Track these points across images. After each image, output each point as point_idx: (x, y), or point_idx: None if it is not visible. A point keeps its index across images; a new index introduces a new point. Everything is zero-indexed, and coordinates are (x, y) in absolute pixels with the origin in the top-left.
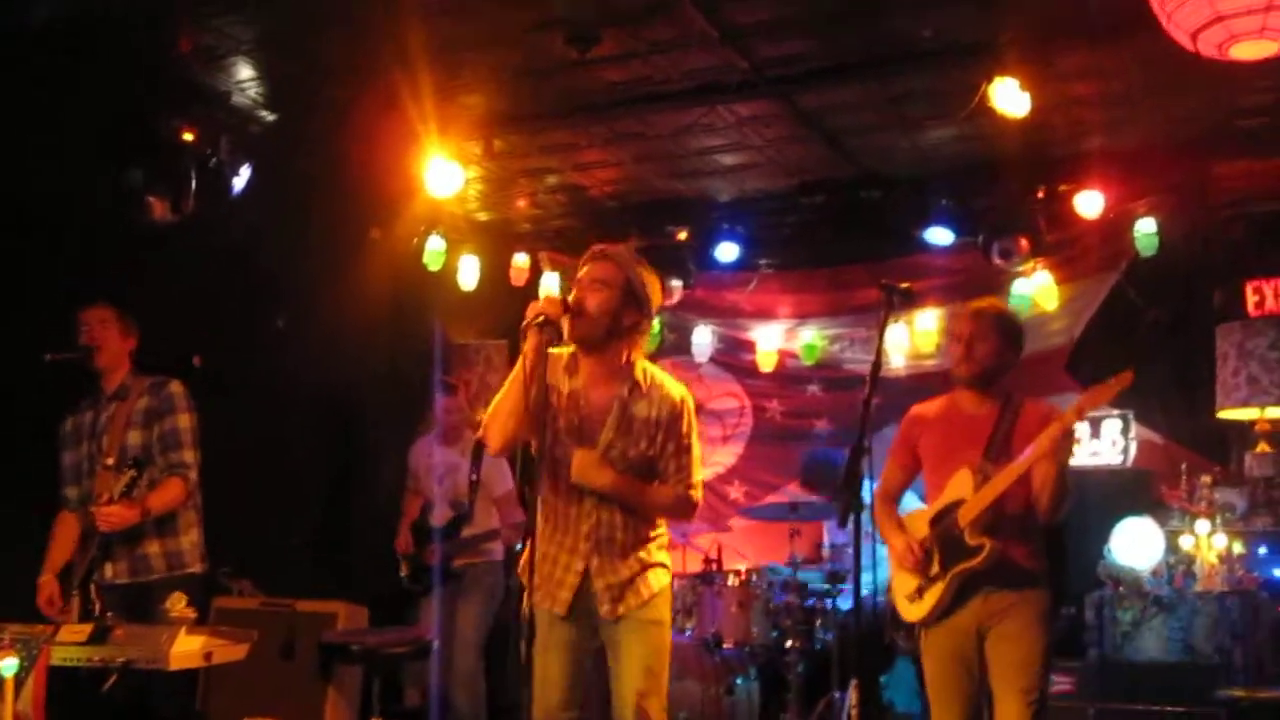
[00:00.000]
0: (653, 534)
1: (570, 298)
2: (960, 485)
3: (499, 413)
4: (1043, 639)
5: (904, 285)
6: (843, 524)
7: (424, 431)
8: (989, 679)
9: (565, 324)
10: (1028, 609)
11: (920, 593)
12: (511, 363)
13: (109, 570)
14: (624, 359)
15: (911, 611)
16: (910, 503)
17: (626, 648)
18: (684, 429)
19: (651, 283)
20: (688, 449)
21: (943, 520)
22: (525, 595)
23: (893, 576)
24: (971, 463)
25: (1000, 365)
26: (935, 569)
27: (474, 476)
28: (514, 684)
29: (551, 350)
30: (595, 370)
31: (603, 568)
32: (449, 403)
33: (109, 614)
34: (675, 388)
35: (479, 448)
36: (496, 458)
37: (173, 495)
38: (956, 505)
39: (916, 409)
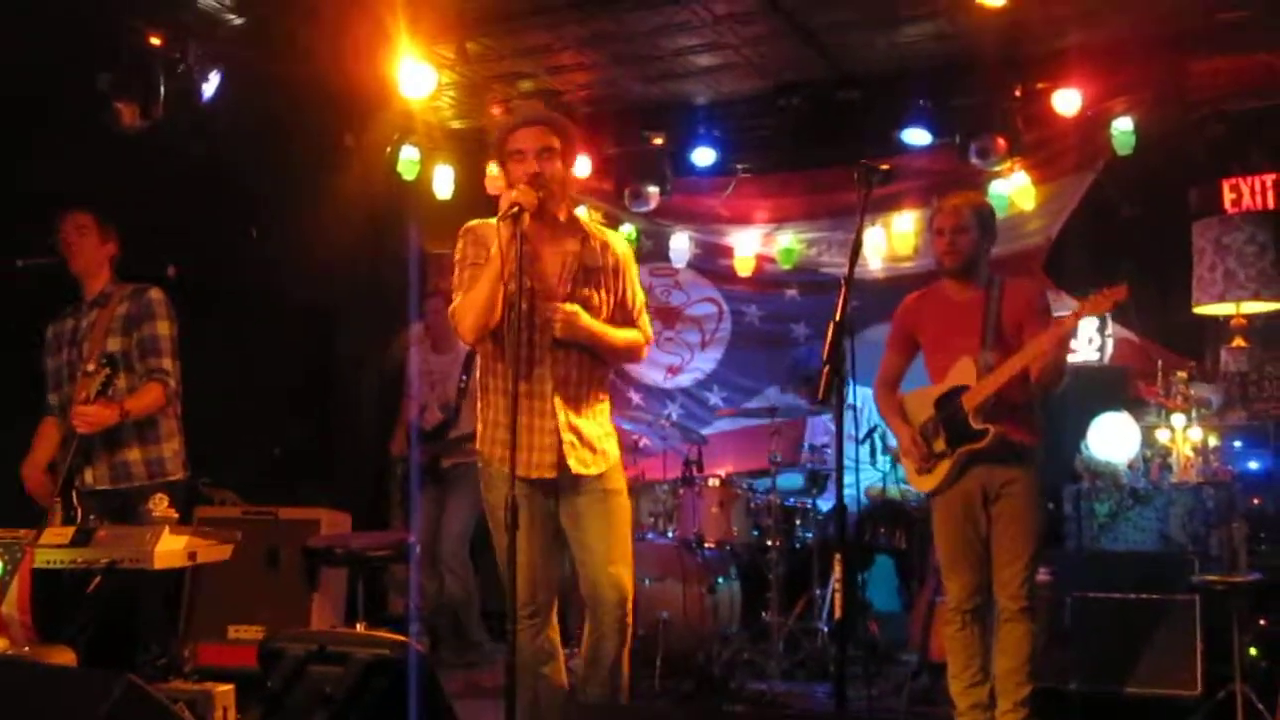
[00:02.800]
0: (602, 395)
1: (527, 174)
2: (963, 372)
3: (475, 305)
4: (1040, 512)
5: (883, 166)
6: (823, 398)
7: (408, 343)
8: (990, 544)
9: (522, 195)
10: (1026, 483)
11: (929, 467)
12: None
13: (89, 475)
14: (567, 214)
15: (922, 483)
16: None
17: (590, 518)
18: (632, 271)
19: (575, 131)
20: (635, 287)
21: (948, 404)
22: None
23: (905, 452)
24: (972, 350)
25: (980, 252)
26: (942, 446)
27: (463, 382)
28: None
29: (492, 220)
30: (543, 230)
31: (569, 423)
32: (435, 303)
33: (91, 516)
34: (616, 236)
35: (471, 355)
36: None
37: (151, 399)
38: (960, 391)
39: (909, 300)
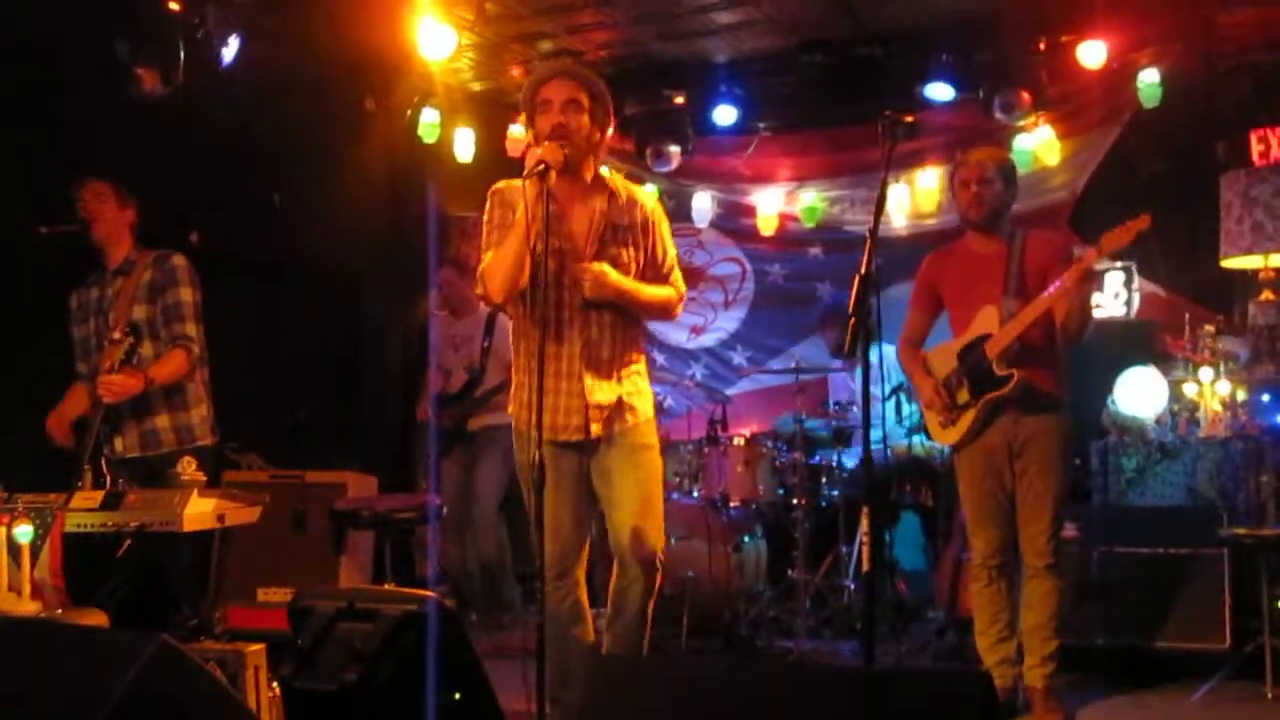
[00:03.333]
0: (635, 355)
1: (551, 125)
2: (986, 320)
3: (502, 265)
4: (1066, 465)
5: (908, 118)
6: (849, 351)
7: (427, 311)
8: (1015, 498)
9: (548, 151)
10: (1053, 434)
11: (953, 419)
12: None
13: (119, 444)
14: (594, 172)
15: (945, 436)
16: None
17: (620, 474)
18: (662, 228)
19: (604, 86)
20: (665, 243)
21: (971, 353)
22: (530, 441)
23: (927, 406)
24: (995, 299)
25: (1004, 205)
26: (965, 396)
27: (486, 342)
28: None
29: (518, 182)
30: (570, 189)
31: (594, 387)
32: (446, 274)
33: (120, 481)
34: (645, 193)
35: (492, 317)
36: (508, 328)
37: (176, 366)
38: (984, 339)
39: (931, 256)
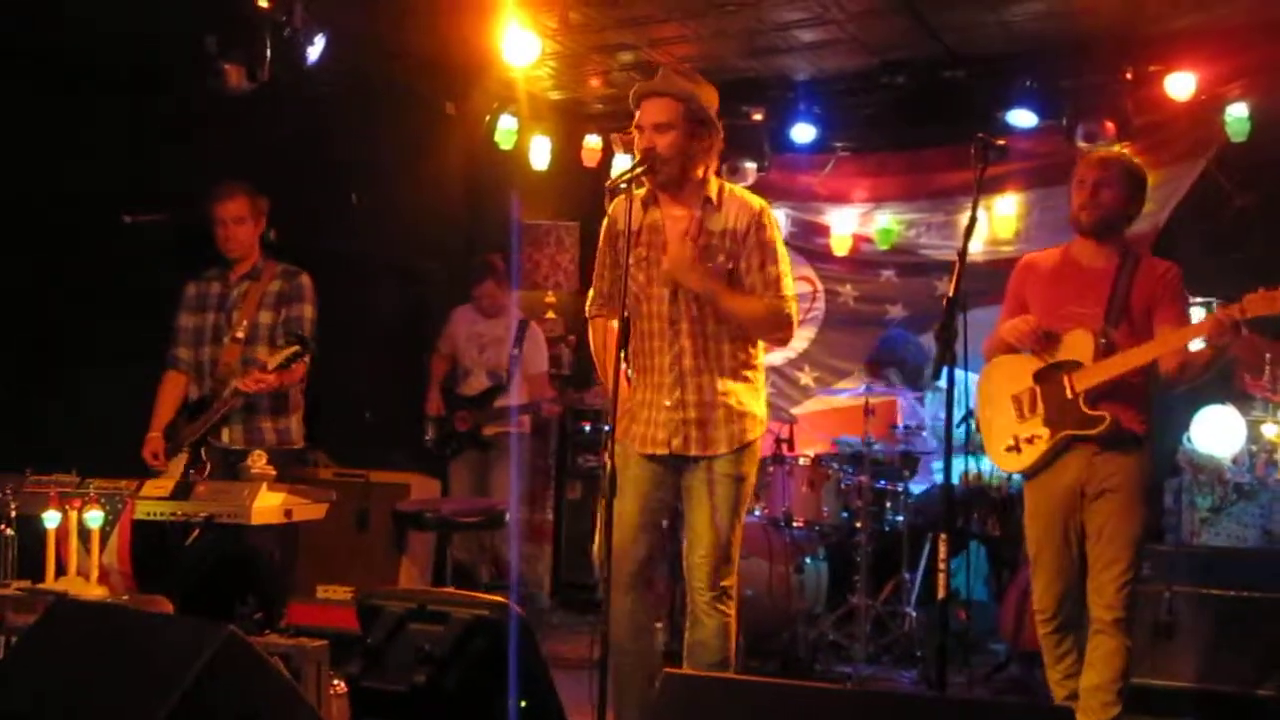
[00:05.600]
0: (740, 363)
1: (639, 148)
2: (1078, 345)
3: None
4: (1145, 510)
5: (999, 141)
6: (936, 376)
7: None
8: (1086, 544)
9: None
10: (1134, 476)
11: (1019, 446)
12: (583, 243)
13: (225, 435)
14: (699, 178)
15: (1008, 462)
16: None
17: (699, 501)
18: (766, 238)
19: (707, 93)
20: (774, 259)
21: (1053, 378)
22: (608, 448)
23: (984, 421)
24: (1092, 323)
25: (1122, 215)
26: (1039, 427)
27: (516, 350)
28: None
29: (636, 192)
30: (673, 200)
31: (684, 400)
32: (480, 288)
33: (206, 467)
34: (754, 199)
35: (524, 324)
36: (537, 338)
37: (296, 376)
38: (1071, 366)
39: (1030, 256)
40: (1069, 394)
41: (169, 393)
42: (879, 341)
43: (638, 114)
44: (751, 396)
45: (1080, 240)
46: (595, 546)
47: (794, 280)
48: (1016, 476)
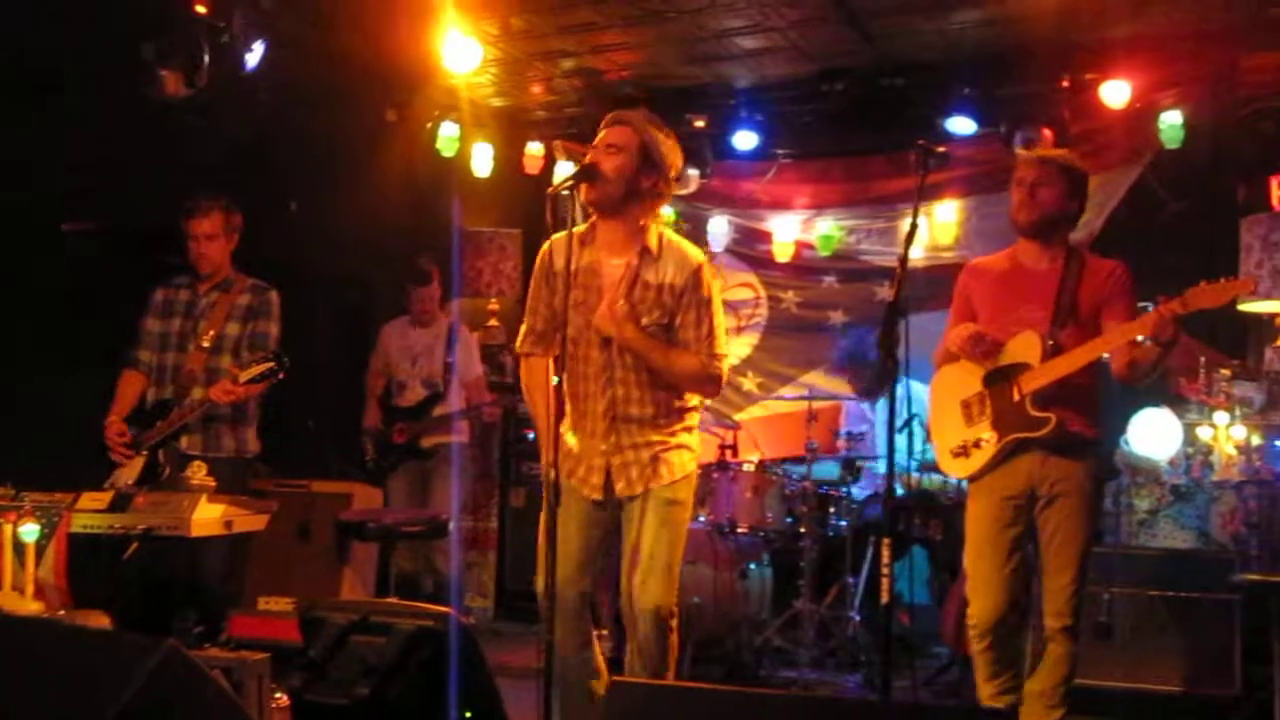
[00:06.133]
0: (674, 408)
1: (585, 161)
2: (1025, 347)
3: (534, 418)
4: (1096, 514)
5: (939, 148)
6: (880, 389)
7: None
8: (1038, 550)
9: (581, 189)
10: (1085, 481)
11: (967, 450)
12: (525, 251)
13: (184, 441)
14: (639, 224)
15: (955, 467)
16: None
17: (641, 527)
18: (703, 294)
19: (669, 146)
20: (709, 316)
21: (1001, 381)
22: (550, 472)
23: (934, 426)
24: (1039, 325)
25: (1062, 214)
26: (986, 430)
27: (450, 358)
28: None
29: (575, 230)
30: (611, 238)
31: (620, 445)
32: (424, 292)
33: (165, 470)
34: (693, 252)
35: (454, 329)
36: (468, 342)
37: (258, 389)
38: (1019, 369)
39: (976, 260)
40: (1016, 396)
41: (128, 389)
42: (847, 344)
43: (599, 135)
44: (687, 437)
45: (1024, 242)
46: (540, 581)
47: (735, 286)
48: (957, 481)
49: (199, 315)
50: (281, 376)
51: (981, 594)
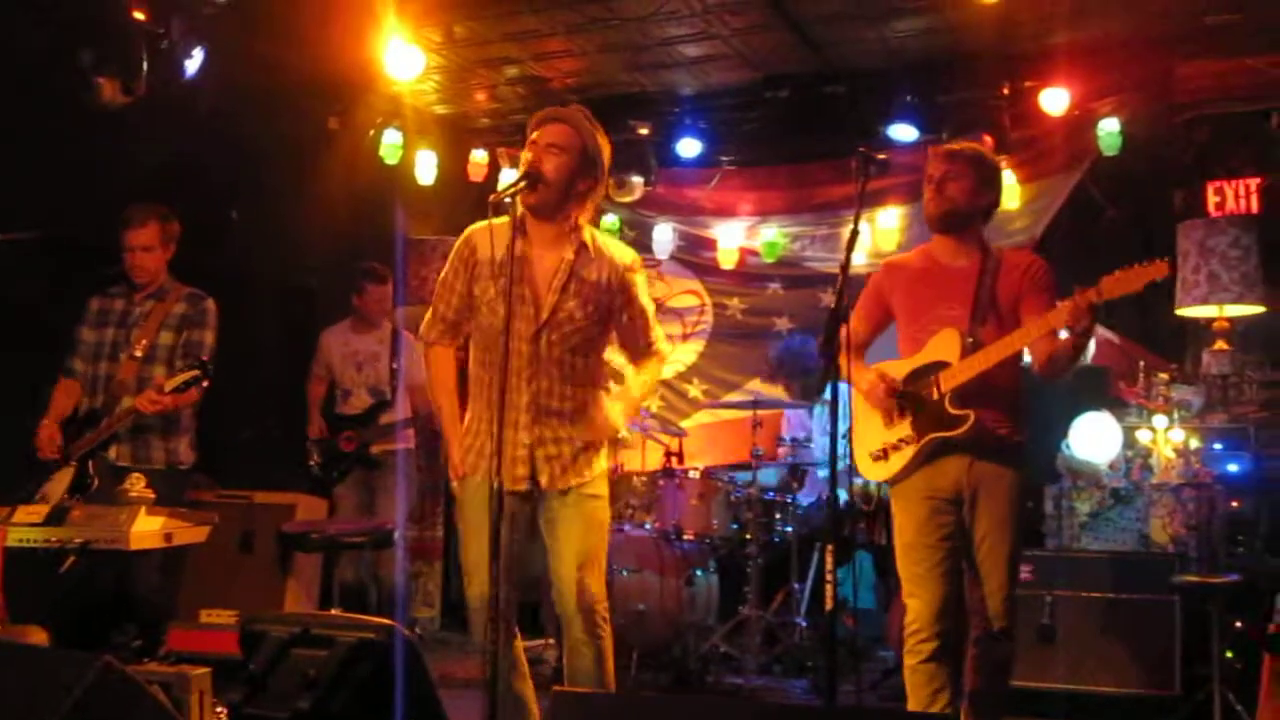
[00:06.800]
0: (593, 405)
1: (524, 163)
2: (945, 346)
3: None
4: (1022, 518)
5: (880, 155)
6: (819, 391)
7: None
8: (968, 552)
9: (519, 192)
10: (1010, 484)
11: (886, 453)
12: None
13: (113, 452)
14: (572, 222)
15: (875, 470)
16: None
17: (565, 524)
18: (633, 293)
19: (604, 145)
20: (642, 309)
21: (920, 380)
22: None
23: (855, 430)
24: (958, 322)
25: (973, 208)
26: (906, 430)
27: (395, 364)
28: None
29: (494, 221)
30: (543, 234)
31: (543, 438)
32: (380, 290)
33: (94, 482)
34: (623, 251)
35: (398, 335)
36: (413, 347)
37: (191, 399)
38: (938, 367)
39: (888, 262)
40: (935, 395)
41: (62, 398)
42: (780, 349)
43: (535, 134)
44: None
45: (938, 239)
46: (474, 591)
47: (680, 293)
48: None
49: (133, 324)
50: (206, 385)
51: (920, 591)
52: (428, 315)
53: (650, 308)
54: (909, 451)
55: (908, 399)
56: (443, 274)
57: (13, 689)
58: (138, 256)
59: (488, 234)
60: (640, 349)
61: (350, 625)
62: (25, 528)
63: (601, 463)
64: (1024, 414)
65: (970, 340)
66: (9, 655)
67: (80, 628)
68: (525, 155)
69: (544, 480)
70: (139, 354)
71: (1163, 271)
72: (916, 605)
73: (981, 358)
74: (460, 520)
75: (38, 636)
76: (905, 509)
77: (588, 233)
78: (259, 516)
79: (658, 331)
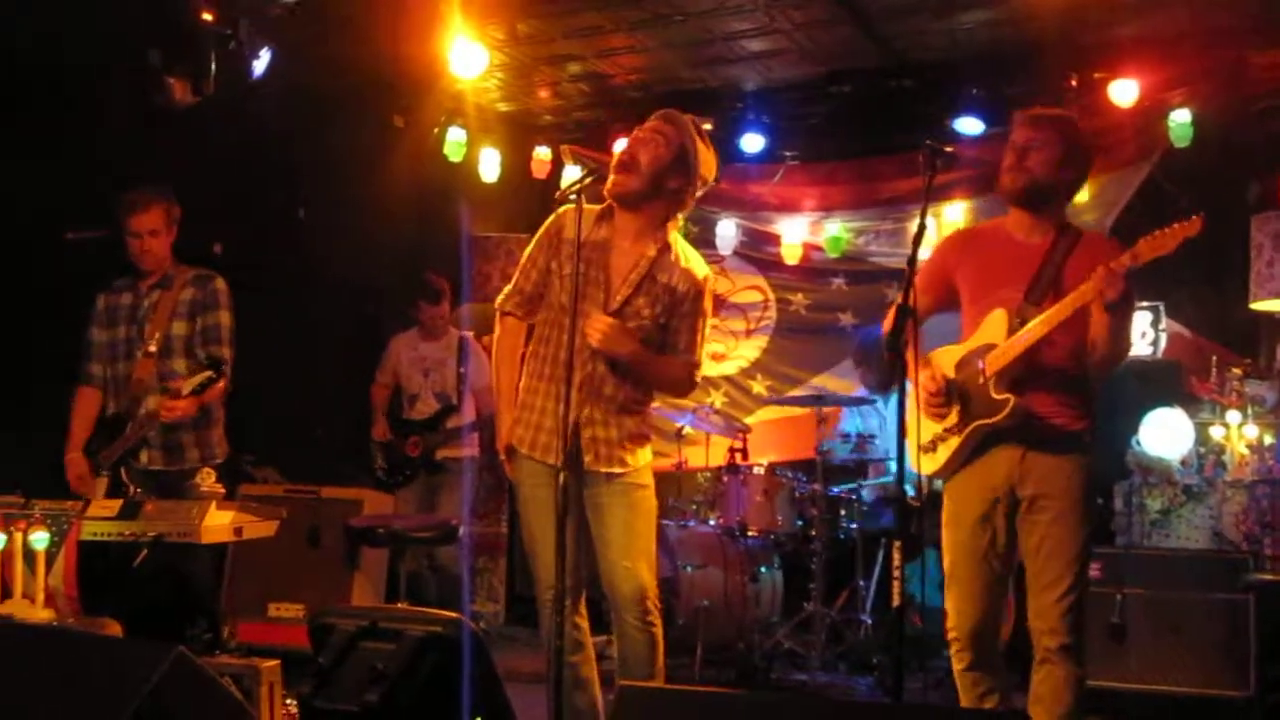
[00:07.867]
0: (640, 402)
1: (622, 150)
2: (994, 327)
3: (497, 382)
4: (1089, 518)
5: (947, 148)
6: (885, 389)
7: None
8: (1022, 555)
9: (612, 176)
10: (1072, 479)
11: (934, 445)
12: None
13: (144, 457)
14: (659, 220)
15: (924, 464)
16: None
17: (612, 512)
18: (703, 306)
19: (705, 157)
20: (700, 327)
21: (968, 366)
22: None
23: (912, 430)
24: (1010, 302)
25: (1057, 183)
26: (953, 419)
27: (462, 369)
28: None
29: (586, 205)
30: (627, 226)
31: (592, 418)
32: (435, 310)
33: (137, 490)
34: (701, 266)
35: (464, 341)
36: (479, 352)
37: (213, 396)
38: (986, 350)
39: (956, 232)
40: (981, 380)
41: (83, 410)
42: (863, 336)
43: (637, 128)
44: (647, 427)
45: (1015, 212)
46: (543, 569)
47: (744, 289)
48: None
49: (143, 318)
50: (222, 384)
51: (958, 598)
52: (507, 288)
53: (707, 332)
54: (954, 442)
55: (954, 387)
56: (528, 250)
57: (95, 677)
58: (145, 242)
59: (577, 216)
60: (680, 353)
61: (418, 619)
62: (99, 521)
63: (646, 454)
64: (1087, 401)
65: (1019, 320)
66: (91, 645)
67: (154, 621)
68: (624, 142)
69: (587, 459)
70: (153, 349)
71: (1196, 227)
72: (953, 609)
73: (1024, 336)
74: (519, 501)
75: (112, 629)
76: (954, 510)
77: (673, 237)
78: (326, 511)
79: (701, 355)
